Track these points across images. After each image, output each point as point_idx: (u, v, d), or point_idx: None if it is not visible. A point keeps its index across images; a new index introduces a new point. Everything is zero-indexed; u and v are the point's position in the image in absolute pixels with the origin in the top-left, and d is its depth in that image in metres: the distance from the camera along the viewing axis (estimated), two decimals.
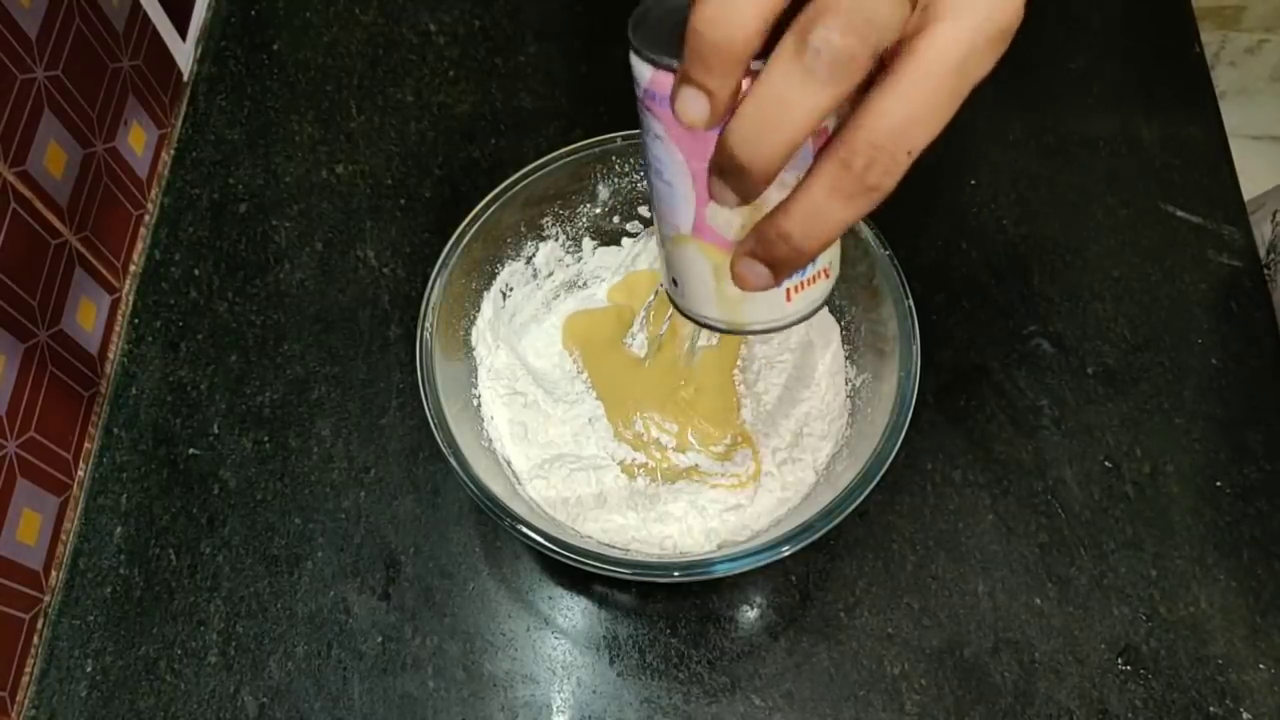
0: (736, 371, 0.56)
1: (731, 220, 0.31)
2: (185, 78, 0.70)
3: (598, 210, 0.56)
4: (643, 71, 0.29)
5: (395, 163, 0.66)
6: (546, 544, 0.44)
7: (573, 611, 0.53)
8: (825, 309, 0.55)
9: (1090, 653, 0.51)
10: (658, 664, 0.51)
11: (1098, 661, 0.51)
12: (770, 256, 0.28)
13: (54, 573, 0.55)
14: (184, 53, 0.70)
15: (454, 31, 0.71)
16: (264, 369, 0.59)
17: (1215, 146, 0.65)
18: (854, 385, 0.53)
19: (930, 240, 0.62)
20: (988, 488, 0.55)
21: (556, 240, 0.56)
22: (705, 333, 0.55)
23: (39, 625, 0.53)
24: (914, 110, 0.25)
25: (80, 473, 0.57)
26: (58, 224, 0.56)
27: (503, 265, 0.55)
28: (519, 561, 0.54)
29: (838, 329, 0.55)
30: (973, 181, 0.64)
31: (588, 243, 0.57)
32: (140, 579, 0.54)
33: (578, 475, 0.51)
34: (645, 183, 0.35)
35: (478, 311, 0.54)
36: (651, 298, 0.55)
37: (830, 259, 0.34)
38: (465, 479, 0.45)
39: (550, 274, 0.57)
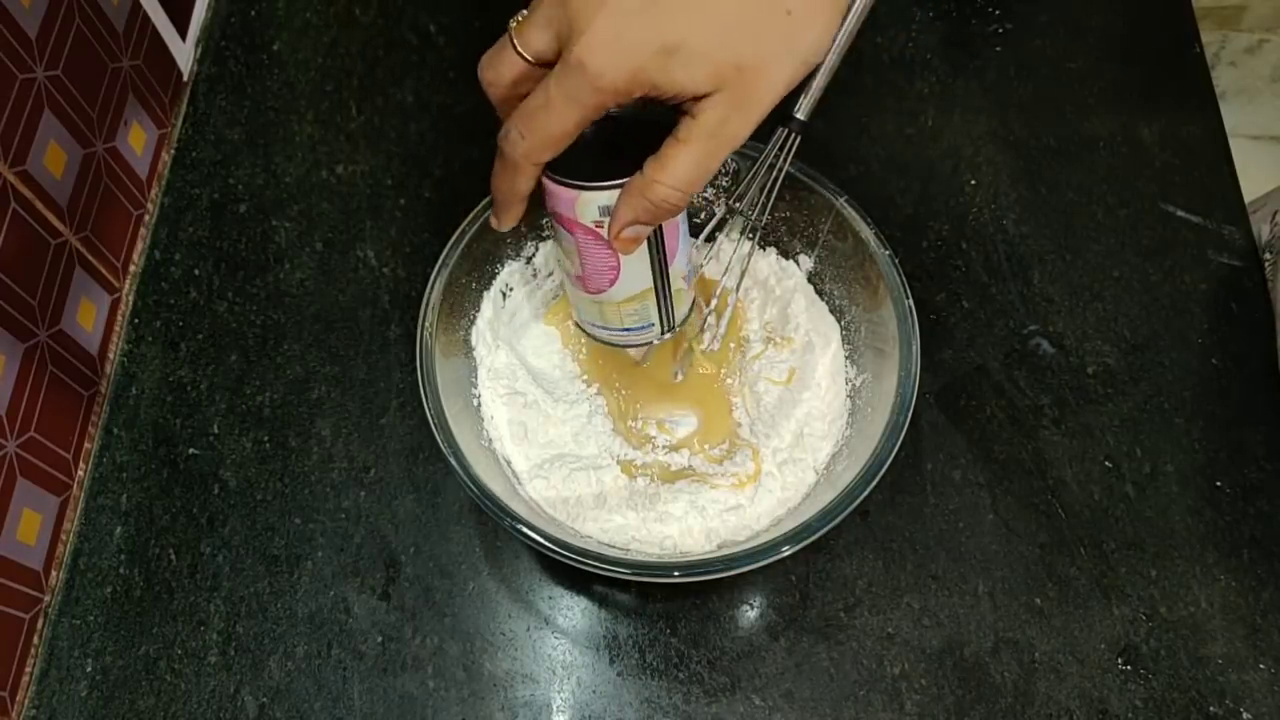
0: (735, 372, 0.56)
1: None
2: (185, 78, 0.70)
3: None
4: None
5: (395, 163, 0.66)
6: (546, 544, 0.44)
7: (573, 611, 0.53)
8: (827, 310, 0.56)
9: (1090, 653, 0.51)
10: (658, 664, 0.51)
11: (1098, 661, 0.51)
12: (492, 199, 0.43)
13: (54, 573, 0.55)
14: (184, 53, 0.70)
15: (453, 32, 0.71)
16: (264, 369, 0.59)
17: (1215, 146, 0.65)
18: (854, 385, 0.53)
19: (930, 240, 0.63)
20: (988, 488, 0.55)
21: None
22: (704, 338, 0.55)
23: (39, 625, 0.53)
24: (522, 107, 0.38)
25: (80, 473, 0.57)
26: (58, 224, 0.56)
27: (503, 265, 0.55)
28: (519, 561, 0.54)
29: (838, 329, 0.55)
30: (973, 181, 0.64)
31: None
32: (140, 579, 0.54)
33: (578, 475, 0.51)
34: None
35: (478, 311, 0.54)
36: None
37: (645, 315, 0.47)
38: (465, 479, 0.45)
39: (550, 274, 0.57)
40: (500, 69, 0.38)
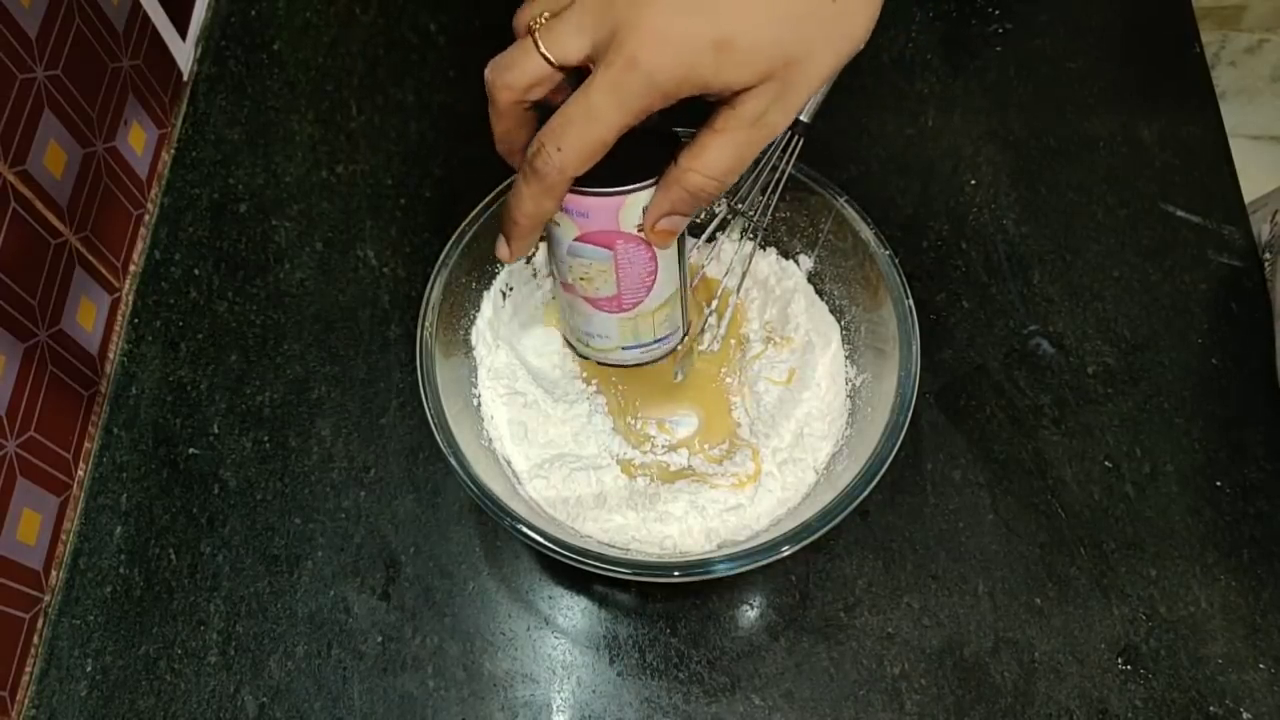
0: (735, 372, 0.56)
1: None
2: (185, 78, 0.70)
3: None
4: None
5: (395, 162, 0.66)
6: (546, 544, 0.44)
7: (573, 611, 0.53)
8: (827, 310, 0.56)
9: (1090, 653, 0.51)
10: (658, 664, 0.51)
11: (1098, 661, 0.51)
12: (503, 230, 0.41)
13: (54, 573, 0.55)
14: (184, 53, 0.70)
15: (454, 31, 0.71)
16: (264, 369, 0.59)
17: (1215, 146, 0.65)
18: (854, 385, 0.53)
19: (930, 240, 0.63)
20: (988, 488, 0.55)
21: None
22: (704, 339, 0.55)
23: (39, 625, 0.53)
24: (557, 119, 0.36)
25: (80, 472, 0.57)
26: (58, 224, 0.56)
27: (503, 265, 0.55)
28: (519, 561, 0.54)
29: (838, 329, 0.55)
30: (973, 181, 0.64)
31: None
32: (140, 579, 0.54)
33: (578, 475, 0.51)
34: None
35: (478, 311, 0.54)
36: None
37: (651, 333, 0.46)
38: (465, 479, 0.45)
39: (550, 274, 0.57)
40: (517, 73, 0.37)
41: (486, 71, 0.38)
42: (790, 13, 0.34)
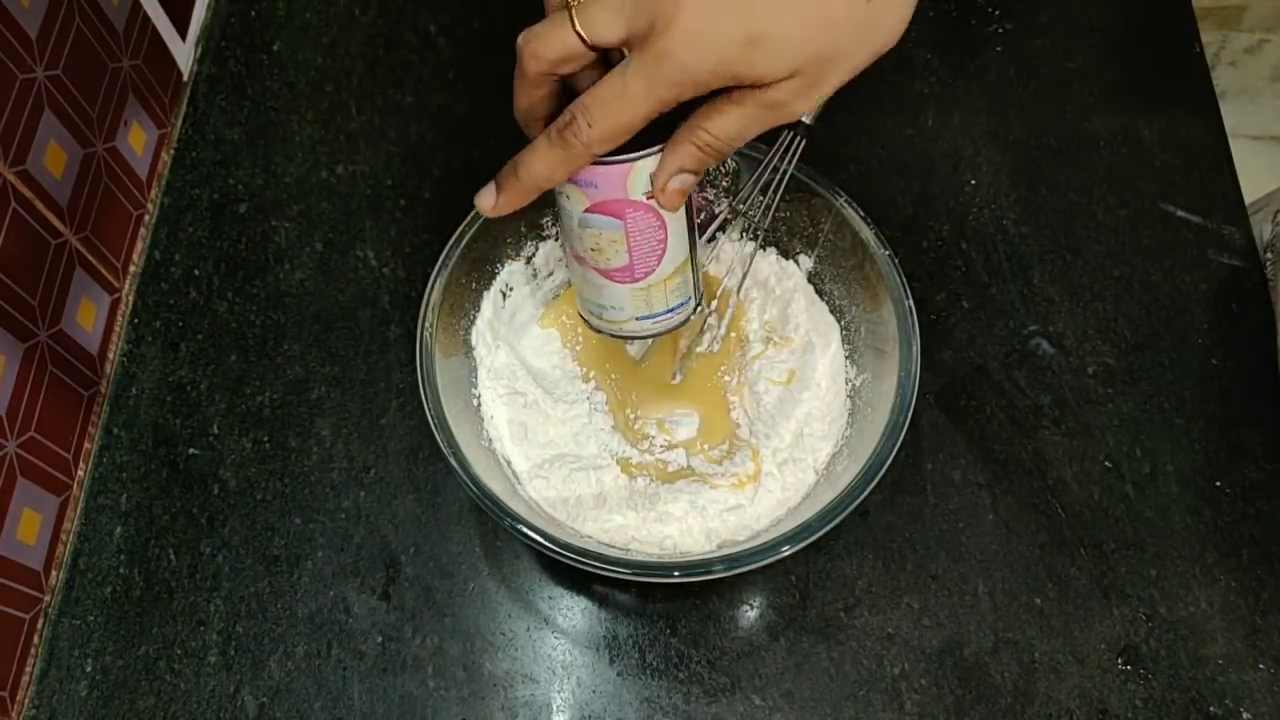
0: (735, 372, 0.56)
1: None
2: (185, 78, 0.70)
3: None
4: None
5: (395, 163, 0.66)
6: (546, 544, 0.44)
7: (573, 611, 0.53)
8: (827, 310, 0.56)
9: (1090, 653, 0.51)
10: (658, 664, 0.51)
11: (1098, 661, 0.51)
12: (498, 180, 0.42)
13: (54, 573, 0.55)
14: (184, 53, 0.70)
15: (453, 32, 0.71)
16: (264, 369, 0.59)
17: (1215, 146, 0.65)
18: (854, 385, 0.53)
19: (930, 240, 0.63)
20: (988, 488, 0.55)
21: (556, 240, 0.57)
22: (703, 339, 0.55)
23: (39, 625, 0.53)
24: (592, 96, 0.37)
25: (80, 473, 0.57)
26: (58, 224, 0.56)
27: (502, 265, 0.55)
28: (519, 561, 0.54)
29: (838, 329, 0.55)
30: (973, 181, 0.64)
31: None
32: (140, 579, 0.54)
33: (578, 475, 0.51)
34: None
35: (478, 311, 0.54)
36: None
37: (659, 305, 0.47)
38: (465, 479, 0.45)
39: (550, 274, 0.57)
40: (549, 47, 0.37)
41: (519, 39, 0.38)
42: (822, 10, 0.35)
